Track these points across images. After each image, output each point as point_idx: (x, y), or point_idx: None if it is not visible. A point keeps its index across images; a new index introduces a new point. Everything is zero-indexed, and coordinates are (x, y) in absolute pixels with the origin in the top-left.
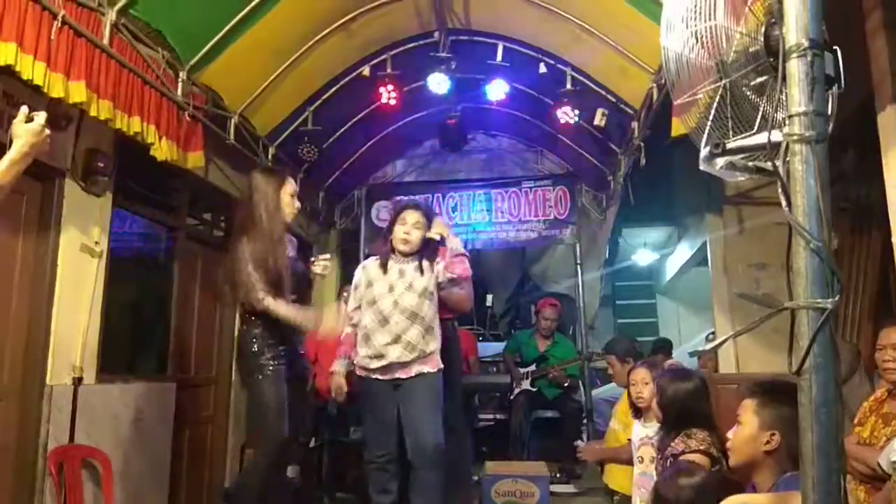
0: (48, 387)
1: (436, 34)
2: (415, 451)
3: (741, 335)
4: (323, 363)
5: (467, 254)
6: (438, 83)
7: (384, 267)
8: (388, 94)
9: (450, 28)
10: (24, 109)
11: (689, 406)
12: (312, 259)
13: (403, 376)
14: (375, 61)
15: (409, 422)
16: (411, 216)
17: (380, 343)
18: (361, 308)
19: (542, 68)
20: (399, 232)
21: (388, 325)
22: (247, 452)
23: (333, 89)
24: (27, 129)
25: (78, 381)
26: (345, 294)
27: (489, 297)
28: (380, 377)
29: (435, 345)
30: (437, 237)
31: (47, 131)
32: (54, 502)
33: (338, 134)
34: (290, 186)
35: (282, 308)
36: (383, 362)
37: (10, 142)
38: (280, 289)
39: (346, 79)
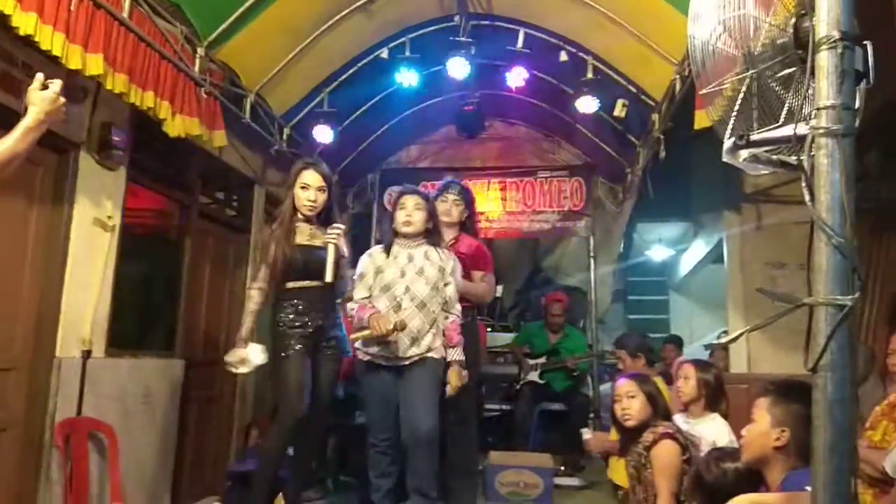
0: (57, 359)
1: (456, 18)
2: (409, 433)
3: (756, 331)
4: None
5: (459, 315)
6: (458, 68)
7: (389, 252)
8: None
9: (471, 12)
10: (39, 77)
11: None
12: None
13: (406, 362)
14: (394, 44)
15: (406, 405)
16: (410, 200)
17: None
18: (374, 296)
19: (564, 56)
20: (401, 216)
21: (399, 310)
22: (251, 432)
23: (351, 71)
24: (42, 97)
25: (87, 355)
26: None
27: (499, 288)
28: (384, 363)
29: (439, 341)
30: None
31: (62, 99)
32: (60, 474)
33: (353, 116)
34: (302, 178)
35: (249, 306)
36: (389, 353)
37: (26, 109)
38: (287, 276)
39: (364, 61)
